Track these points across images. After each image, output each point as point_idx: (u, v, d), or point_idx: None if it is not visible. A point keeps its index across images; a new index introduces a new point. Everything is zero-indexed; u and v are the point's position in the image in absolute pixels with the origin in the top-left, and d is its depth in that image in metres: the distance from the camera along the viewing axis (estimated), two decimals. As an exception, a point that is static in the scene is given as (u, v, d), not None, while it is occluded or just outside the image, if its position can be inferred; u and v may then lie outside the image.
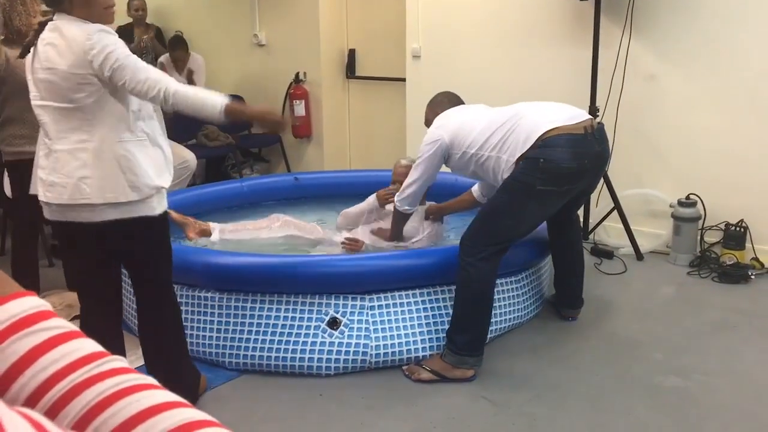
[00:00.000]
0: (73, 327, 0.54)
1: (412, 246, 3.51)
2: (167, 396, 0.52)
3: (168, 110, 2.28)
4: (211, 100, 2.21)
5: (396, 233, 3.49)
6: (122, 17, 5.58)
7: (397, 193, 3.27)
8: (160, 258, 2.46)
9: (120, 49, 2.15)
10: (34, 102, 2.27)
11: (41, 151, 2.29)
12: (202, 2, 5.79)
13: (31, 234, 3.61)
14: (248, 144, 6.30)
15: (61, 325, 0.53)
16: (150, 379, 0.53)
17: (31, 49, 2.25)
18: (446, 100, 3.33)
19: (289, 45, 6.04)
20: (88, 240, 2.33)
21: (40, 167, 2.29)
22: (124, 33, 4.73)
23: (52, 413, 0.50)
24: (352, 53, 6.01)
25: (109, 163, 2.21)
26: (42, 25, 2.23)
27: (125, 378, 0.52)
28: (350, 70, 6.04)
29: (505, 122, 2.92)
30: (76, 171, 2.20)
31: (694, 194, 4.08)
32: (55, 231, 2.42)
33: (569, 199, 2.96)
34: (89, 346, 0.54)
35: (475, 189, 3.53)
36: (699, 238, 4.10)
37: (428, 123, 3.30)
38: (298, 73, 6.01)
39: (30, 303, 0.53)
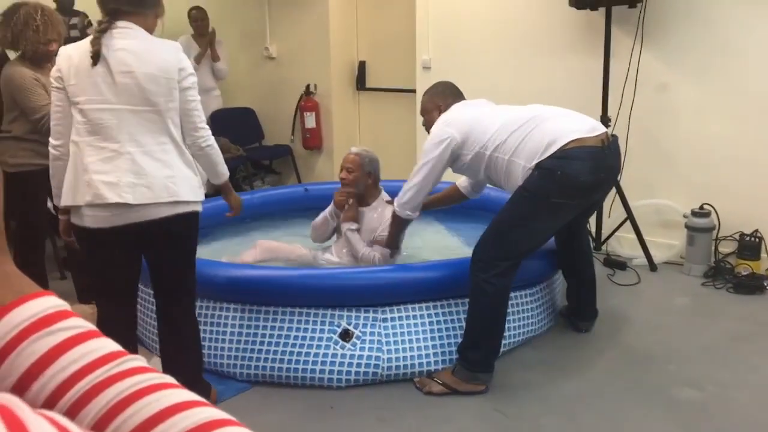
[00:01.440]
0: (92, 327, 0.54)
1: (366, 246, 3.40)
2: (187, 395, 0.52)
3: (196, 152, 2.46)
4: (223, 168, 2.58)
5: (394, 240, 3.32)
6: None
7: (397, 198, 3.09)
8: (192, 258, 2.53)
9: (196, 87, 2.39)
10: (96, 105, 2.26)
11: (95, 156, 2.26)
12: (212, 16, 5.84)
13: (38, 245, 3.62)
14: (259, 156, 6.32)
15: (80, 324, 0.54)
16: (169, 378, 0.53)
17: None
18: (449, 92, 3.14)
19: (300, 57, 6.07)
20: (137, 240, 2.36)
21: (97, 172, 2.25)
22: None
23: (72, 413, 0.50)
24: (362, 65, 6.03)
25: (189, 164, 2.37)
26: (101, 33, 2.25)
27: (144, 377, 0.52)
28: (360, 81, 6.06)
29: (523, 124, 2.81)
30: (160, 170, 2.28)
31: (708, 204, 4.05)
32: (92, 239, 2.35)
33: (580, 210, 2.93)
34: (108, 345, 0.54)
35: (462, 182, 3.38)
36: (713, 248, 4.06)
37: (426, 113, 3.16)
38: (308, 86, 6.03)
39: (49, 303, 0.53)
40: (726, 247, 4.05)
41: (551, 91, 4.54)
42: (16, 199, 3.39)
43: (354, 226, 3.42)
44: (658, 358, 3.07)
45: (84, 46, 2.27)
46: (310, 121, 6.02)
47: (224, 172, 2.60)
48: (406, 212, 3.08)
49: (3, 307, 0.51)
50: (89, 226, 2.30)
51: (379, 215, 3.44)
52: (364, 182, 3.43)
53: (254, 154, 6.20)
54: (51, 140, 2.39)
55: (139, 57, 2.25)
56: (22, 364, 0.50)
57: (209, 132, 2.46)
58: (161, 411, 0.50)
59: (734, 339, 3.23)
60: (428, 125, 3.15)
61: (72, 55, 2.28)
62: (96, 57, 2.22)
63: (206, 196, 2.55)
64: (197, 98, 2.40)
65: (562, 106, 3.20)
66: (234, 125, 6.06)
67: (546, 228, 2.87)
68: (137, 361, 0.54)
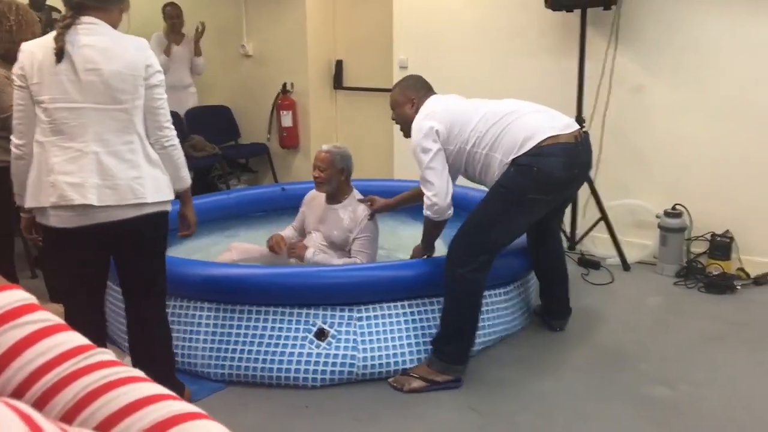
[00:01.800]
0: (59, 320, 0.54)
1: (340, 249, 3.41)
2: (155, 388, 0.52)
3: (159, 150, 2.39)
4: (186, 172, 2.49)
5: (431, 244, 3.20)
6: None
7: (427, 207, 2.90)
8: (161, 259, 2.50)
9: (164, 85, 2.35)
10: (61, 105, 2.18)
11: (60, 156, 2.20)
12: (188, 13, 5.79)
13: (7, 244, 3.56)
14: (235, 154, 6.27)
15: (47, 318, 0.53)
16: (137, 372, 0.53)
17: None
18: (420, 85, 3.09)
19: (277, 56, 6.04)
20: (104, 240, 2.32)
21: (61, 172, 2.20)
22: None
23: (38, 406, 0.50)
24: (339, 64, 6.02)
25: (156, 164, 2.32)
26: (64, 28, 2.17)
27: (113, 371, 0.52)
28: (337, 80, 6.05)
29: (501, 118, 2.83)
30: (126, 172, 2.23)
31: (680, 205, 4.10)
32: (58, 238, 2.29)
33: (554, 206, 2.97)
34: (76, 339, 0.53)
35: None
36: (685, 248, 4.11)
37: (397, 106, 3.09)
38: (285, 84, 6.00)
39: (16, 296, 0.52)
40: (698, 247, 4.11)
41: (527, 91, 4.55)
42: None
43: (310, 253, 3.38)
44: (631, 356, 3.10)
45: (47, 42, 2.19)
46: (286, 120, 5.99)
47: (186, 177, 2.51)
48: (447, 213, 2.90)
49: None
50: (55, 225, 2.26)
51: (351, 214, 3.43)
52: (336, 179, 3.43)
53: (230, 153, 6.15)
54: (13, 139, 2.32)
55: (105, 54, 2.19)
56: None
57: (174, 132, 2.40)
58: (130, 404, 0.49)
59: (705, 338, 3.28)
60: (400, 119, 3.11)
61: (35, 52, 2.20)
62: (60, 54, 2.16)
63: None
64: (164, 96, 2.35)
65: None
66: (210, 123, 6.02)
67: (522, 223, 2.90)
68: (105, 354, 0.53)
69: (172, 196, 2.39)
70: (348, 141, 6.08)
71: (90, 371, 0.51)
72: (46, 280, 3.64)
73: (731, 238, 3.96)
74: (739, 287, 3.82)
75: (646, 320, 3.50)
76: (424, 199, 2.90)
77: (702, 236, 4.08)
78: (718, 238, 3.98)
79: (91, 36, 2.20)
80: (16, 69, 2.24)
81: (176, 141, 2.41)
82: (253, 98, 6.21)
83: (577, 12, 4.19)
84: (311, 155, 6.04)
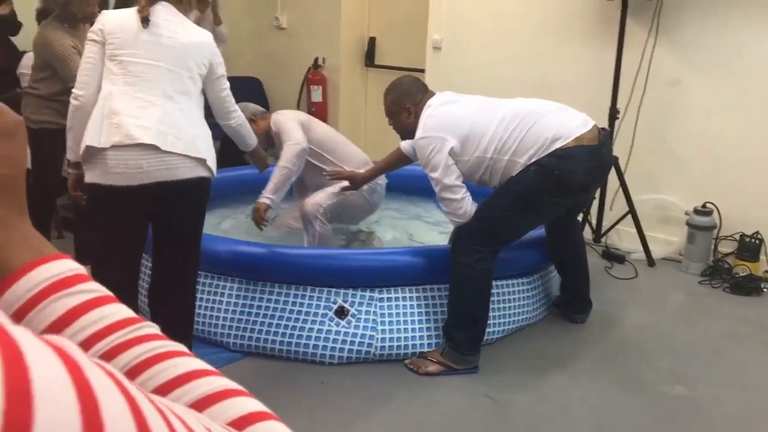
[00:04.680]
0: (108, 292, 0.56)
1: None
2: (201, 364, 0.54)
3: (228, 130, 2.69)
4: (252, 139, 2.81)
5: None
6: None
7: (453, 218, 2.85)
8: (202, 226, 2.56)
9: (226, 75, 2.57)
10: (140, 60, 2.30)
11: (129, 103, 2.27)
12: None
13: (49, 207, 3.62)
14: (263, 127, 6.27)
15: (98, 288, 0.55)
16: (183, 347, 0.56)
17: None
18: (414, 89, 2.93)
19: (310, 30, 6.01)
20: (154, 204, 2.35)
21: (128, 115, 2.25)
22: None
23: None
24: (372, 41, 5.98)
25: (208, 134, 2.45)
26: (147, 3, 2.34)
27: (161, 344, 0.54)
28: (369, 58, 6.01)
29: (522, 120, 2.76)
30: (188, 128, 2.34)
31: (711, 203, 4.04)
32: (106, 198, 2.31)
33: (568, 207, 2.94)
34: (125, 311, 0.55)
35: (405, 144, 3.18)
36: (713, 247, 4.05)
37: (393, 116, 2.99)
38: (317, 59, 5.98)
39: (69, 265, 0.54)
40: (725, 247, 4.05)
41: (561, 78, 4.51)
42: (33, 157, 3.40)
43: (264, 201, 3.34)
44: (651, 353, 3.08)
45: (128, 11, 2.36)
46: (316, 95, 5.98)
47: (253, 141, 2.83)
48: (468, 215, 2.81)
49: (25, 266, 0.52)
50: (110, 183, 2.26)
51: (276, 139, 3.57)
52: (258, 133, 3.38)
53: (259, 125, 6.15)
54: (74, 91, 2.35)
55: (182, 28, 2.39)
56: (41, 322, 0.51)
57: (240, 112, 2.65)
58: (178, 376, 0.52)
59: (728, 339, 3.24)
60: (398, 128, 3.03)
61: (117, 17, 2.35)
62: (146, 20, 2.32)
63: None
64: (228, 85, 2.57)
65: (572, 94, 3.15)
66: (240, 95, 5.98)
67: (533, 222, 2.91)
68: (153, 328, 0.56)
69: (215, 170, 2.46)
70: (377, 120, 6.06)
71: (139, 343, 0.53)
72: (76, 242, 3.70)
73: (761, 240, 3.90)
74: (765, 290, 3.76)
75: (668, 318, 3.47)
76: (450, 217, 2.86)
77: (731, 236, 4.02)
78: (748, 239, 3.92)
79: (170, 15, 2.39)
80: (95, 27, 2.35)
81: (242, 119, 2.67)
82: (284, 71, 6.20)
83: (618, 0, 4.11)
84: (339, 131, 6.03)
